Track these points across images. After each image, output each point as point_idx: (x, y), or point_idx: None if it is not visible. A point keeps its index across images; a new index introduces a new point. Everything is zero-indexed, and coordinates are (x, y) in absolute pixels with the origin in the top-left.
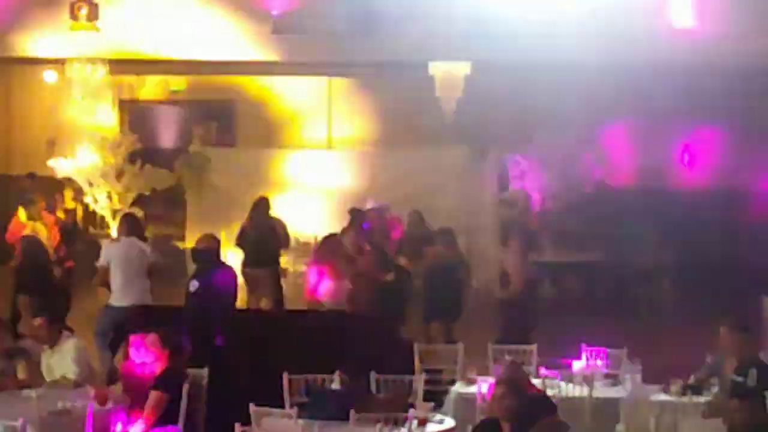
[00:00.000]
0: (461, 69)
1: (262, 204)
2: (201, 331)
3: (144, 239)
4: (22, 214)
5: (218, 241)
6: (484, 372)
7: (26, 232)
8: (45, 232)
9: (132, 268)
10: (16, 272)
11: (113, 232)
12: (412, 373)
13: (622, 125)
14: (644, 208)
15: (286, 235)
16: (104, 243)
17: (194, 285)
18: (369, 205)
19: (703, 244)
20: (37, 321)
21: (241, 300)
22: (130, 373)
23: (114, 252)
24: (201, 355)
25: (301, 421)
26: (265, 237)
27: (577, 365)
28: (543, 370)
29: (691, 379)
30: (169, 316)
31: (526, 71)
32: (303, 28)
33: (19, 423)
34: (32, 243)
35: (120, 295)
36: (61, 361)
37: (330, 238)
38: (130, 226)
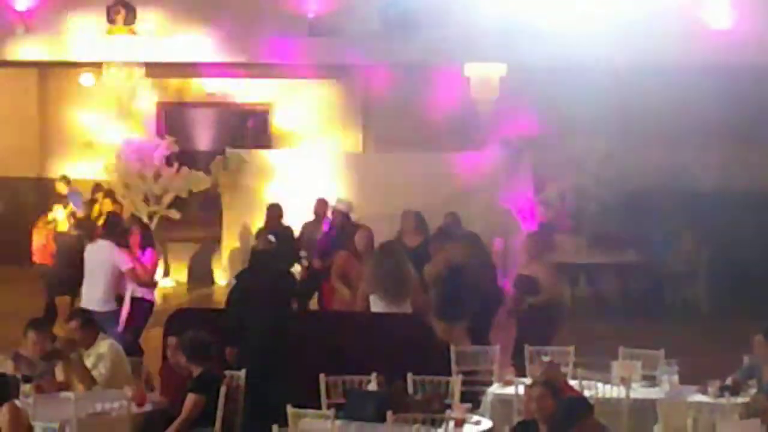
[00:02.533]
0: (497, 70)
1: (274, 210)
2: (242, 332)
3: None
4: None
5: (274, 244)
6: (521, 373)
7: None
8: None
9: (94, 273)
10: (51, 272)
11: None
12: (449, 374)
13: (658, 126)
14: (680, 209)
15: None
16: None
17: (231, 283)
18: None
19: (739, 245)
20: (72, 323)
21: None
22: (168, 375)
23: (86, 254)
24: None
25: (338, 423)
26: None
27: (615, 366)
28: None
29: (729, 380)
30: (209, 319)
31: (561, 72)
32: (339, 30)
33: (57, 425)
34: (66, 242)
35: (83, 299)
36: (96, 362)
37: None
38: (109, 227)
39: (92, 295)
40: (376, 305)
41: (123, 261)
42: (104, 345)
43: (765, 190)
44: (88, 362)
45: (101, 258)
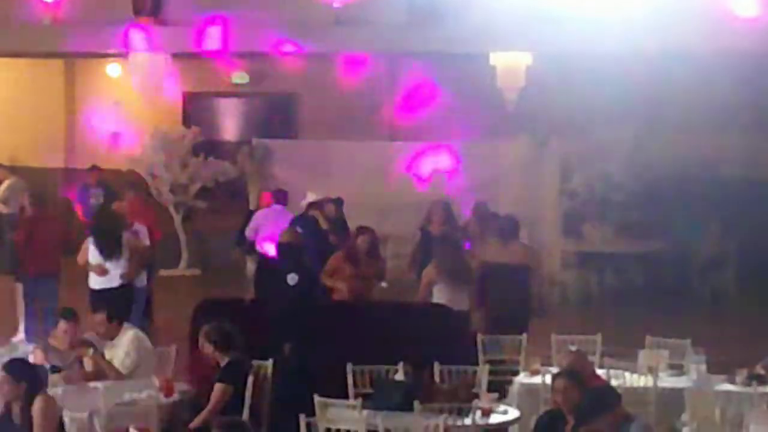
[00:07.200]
0: (523, 59)
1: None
2: (297, 324)
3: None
4: None
5: (300, 235)
6: (548, 362)
7: None
8: None
9: None
10: None
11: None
12: (476, 363)
13: (685, 114)
14: (708, 197)
15: None
16: None
17: (293, 278)
18: (309, 199)
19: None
20: (98, 317)
21: None
22: (195, 365)
23: None
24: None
25: (365, 412)
26: None
27: (642, 355)
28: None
29: (757, 369)
30: (236, 309)
31: (587, 61)
32: (365, 19)
33: (86, 415)
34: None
35: None
36: (118, 353)
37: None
38: None
39: None
40: (441, 294)
41: None
42: (129, 335)
43: None
44: (112, 353)
45: None
